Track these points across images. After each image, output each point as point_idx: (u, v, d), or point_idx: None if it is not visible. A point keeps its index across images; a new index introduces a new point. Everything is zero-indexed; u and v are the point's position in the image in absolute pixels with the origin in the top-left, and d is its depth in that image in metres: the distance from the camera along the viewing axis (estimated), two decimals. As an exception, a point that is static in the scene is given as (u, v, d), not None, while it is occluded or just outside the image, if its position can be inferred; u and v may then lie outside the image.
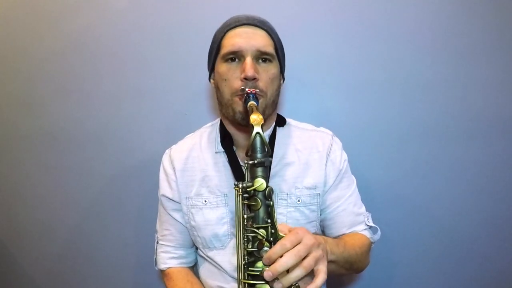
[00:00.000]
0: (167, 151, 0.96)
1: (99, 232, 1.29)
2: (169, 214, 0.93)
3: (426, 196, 1.18)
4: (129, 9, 1.19)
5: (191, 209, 0.89)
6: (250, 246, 0.66)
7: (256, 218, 0.66)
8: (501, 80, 1.14)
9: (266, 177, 0.65)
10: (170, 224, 0.93)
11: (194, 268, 0.99)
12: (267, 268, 0.60)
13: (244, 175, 0.83)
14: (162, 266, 0.94)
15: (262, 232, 0.65)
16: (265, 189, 0.65)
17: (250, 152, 0.65)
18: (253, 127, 0.65)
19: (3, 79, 1.27)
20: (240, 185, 0.66)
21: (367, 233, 0.92)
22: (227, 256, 0.87)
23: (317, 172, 0.88)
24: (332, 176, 0.89)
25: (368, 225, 0.92)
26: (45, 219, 1.30)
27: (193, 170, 0.90)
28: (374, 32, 1.15)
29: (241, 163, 0.87)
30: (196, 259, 0.99)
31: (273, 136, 0.90)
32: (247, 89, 0.77)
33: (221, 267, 0.88)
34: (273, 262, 0.60)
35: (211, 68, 0.89)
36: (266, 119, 0.83)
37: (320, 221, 0.93)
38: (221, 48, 0.83)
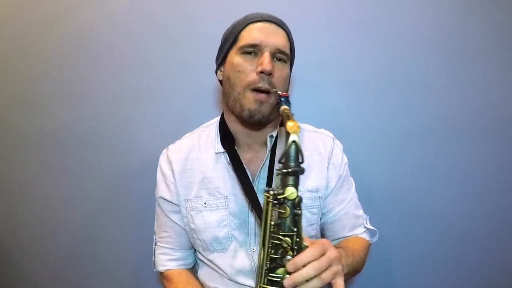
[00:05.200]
0: (164, 151, 0.94)
1: (99, 231, 1.28)
2: (167, 216, 0.91)
3: (425, 196, 1.21)
4: (129, 9, 1.18)
5: (190, 212, 0.87)
6: (273, 253, 0.67)
7: (282, 226, 0.66)
8: (501, 80, 1.14)
9: (297, 186, 0.65)
10: (169, 226, 0.92)
11: (193, 269, 0.98)
12: (288, 276, 0.62)
13: (247, 175, 0.84)
14: (161, 268, 0.93)
15: (287, 240, 0.65)
16: (295, 198, 0.65)
17: (284, 159, 0.65)
18: (289, 134, 0.65)
19: (3, 79, 1.25)
20: (271, 192, 0.65)
21: (366, 236, 0.95)
22: (228, 259, 0.86)
23: (318, 175, 0.89)
24: (334, 180, 0.90)
25: (366, 228, 0.95)
26: (45, 219, 1.29)
27: (192, 172, 0.88)
28: (375, 32, 1.15)
29: (244, 163, 0.85)
30: (195, 260, 0.97)
31: (276, 137, 0.88)
32: (279, 93, 0.76)
33: (221, 269, 0.87)
34: (297, 270, 0.61)
35: (222, 59, 0.87)
36: (272, 117, 0.83)
37: (321, 224, 0.94)
38: (239, 39, 0.82)
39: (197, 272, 0.96)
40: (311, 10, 1.15)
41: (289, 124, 0.66)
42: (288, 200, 0.65)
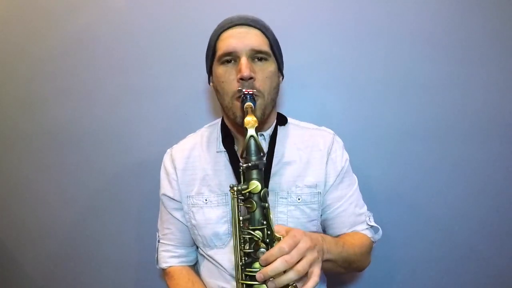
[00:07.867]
0: (168, 150, 0.97)
1: (99, 232, 1.30)
2: (170, 213, 0.94)
3: (426, 195, 1.17)
4: (129, 9, 1.19)
5: (192, 208, 0.90)
6: (247, 247, 0.67)
7: (252, 220, 0.66)
8: (501, 80, 1.13)
9: (261, 180, 0.66)
10: (171, 223, 0.95)
11: (195, 267, 1.00)
12: (260, 270, 0.63)
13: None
14: (163, 265, 0.96)
15: (258, 233, 0.66)
16: (260, 191, 0.65)
17: (245, 154, 0.66)
18: (247, 130, 0.66)
19: (3, 79, 1.28)
20: (235, 188, 0.66)
21: (368, 233, 0.92)
22: (227, 255, 0.88)
23: (317, 170, 0.88)
24: (333, 175, 0.89)
25: (369, 225, 0.92)
26: (45, 219, 1.32)
27: (194, 169, 0.91)
28: (374, 31, 1.14)
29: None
30: (197, 258, 1.00)
31: (274, 135, 0.90)
32: (244, 90, 0.77)
33: (221, 265, 0.89)
34: (270, 264, 0.61)
35: (209, 71, 0.89)
36: (266, 118, 0.84)
37: (322, 221, 0.93)
38: (216, 51, 0.83)
39: (199, 270, 0.98)
40: (310, 9, 1.14)
41: (247, 119, 0.67)
42: (253, 194, 0.65)
